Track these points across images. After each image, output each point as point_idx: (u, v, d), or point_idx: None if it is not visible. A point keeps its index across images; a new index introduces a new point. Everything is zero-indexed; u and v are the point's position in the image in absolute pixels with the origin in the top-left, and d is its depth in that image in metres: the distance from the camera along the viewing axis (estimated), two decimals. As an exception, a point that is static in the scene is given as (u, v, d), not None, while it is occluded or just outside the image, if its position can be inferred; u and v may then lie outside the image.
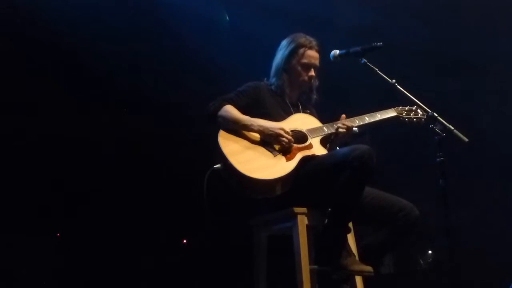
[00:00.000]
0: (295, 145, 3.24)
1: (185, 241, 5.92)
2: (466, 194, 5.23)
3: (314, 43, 3.52)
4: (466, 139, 3.04)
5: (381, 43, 3.29)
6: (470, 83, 5.45)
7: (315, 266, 3.14)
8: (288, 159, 3.18)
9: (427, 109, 3.18)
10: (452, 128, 3.06)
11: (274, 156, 3.19)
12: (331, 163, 3.11)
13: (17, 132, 4.98)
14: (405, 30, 5.29)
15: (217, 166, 3.18)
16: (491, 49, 5.33)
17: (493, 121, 5.50)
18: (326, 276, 3.14)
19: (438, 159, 3.02)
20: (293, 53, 3.50)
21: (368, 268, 3.05)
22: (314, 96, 3.60)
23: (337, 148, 3.40)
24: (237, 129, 3.27)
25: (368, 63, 3.32)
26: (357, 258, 3.14)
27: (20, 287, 4.88)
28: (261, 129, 3.24)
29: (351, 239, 3.26)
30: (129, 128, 5.51)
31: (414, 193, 3.58)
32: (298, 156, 3.19)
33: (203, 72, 5.44)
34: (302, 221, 3.11)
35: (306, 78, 3.51)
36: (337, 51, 3.45)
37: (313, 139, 3.31)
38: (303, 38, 3.52)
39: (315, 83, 3.57)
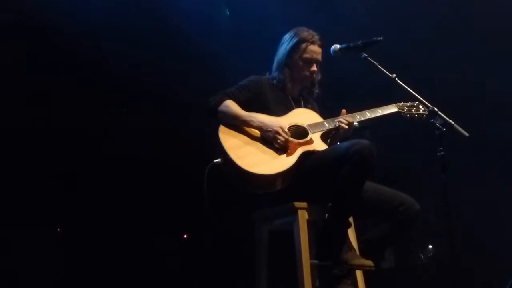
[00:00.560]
0: (295, 140, 3.24)
1: (185, 236, 5.92)
2: (467, 188, 5.23)
3: (316, 37, 3.50)
4: (466, 134, 3.04)
5: (381, 38, 3.29)
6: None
7: (316, 261, 3.14)
8: (288, 154, 3.18)
9: (428, 104, 3.17)
10: (453, 122, 3.05)
11: (274, 151, 3.19)
12: (332, 158, 3.11)
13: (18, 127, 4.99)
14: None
15: (217, 160, 3.19)
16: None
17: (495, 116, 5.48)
18: (327, 271, 3.15)
19: (438, 154, 3.02)
20: (295, 48, 3.48)
21: (369, 262, 3.05)
22: (316, 91, 3.60)
23: (338, 143, 3.40)
24: (237, 125, 3.27)
25: (368, 58, 3.32)
26: (357, 252, 3.14)
27: (20, 282, 4.88)
28: (260, 125, 3.24)
29: (351, 233, 3.26)
30: (129, 124, 5.51)
31: (415, 187, 3.58)
32: (299, 151, 3.19)
33: (204, 67, 5.43)
34: (303, 216, 3.11)
35: (308, 73, 3.50)
36: (337, 46, 3.44)
37: (313, 134, 3.31)
38: (305, 33, 3.50)
39: (317, 77, 3.56)
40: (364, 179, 3.06)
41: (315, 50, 3.49)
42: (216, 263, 5.48)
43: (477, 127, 3.35)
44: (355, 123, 3.38)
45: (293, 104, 3.51)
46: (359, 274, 3.23)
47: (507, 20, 5.11)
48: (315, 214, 3.17)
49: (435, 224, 5.30)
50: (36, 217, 5.04)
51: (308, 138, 3.28)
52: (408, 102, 3.53)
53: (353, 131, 3.40)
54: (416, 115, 3.51)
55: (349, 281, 3.14)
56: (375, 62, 3.30)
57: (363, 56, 3.33)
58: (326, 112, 3.54)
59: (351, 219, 3.22)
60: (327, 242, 3.09)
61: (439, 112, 3.11)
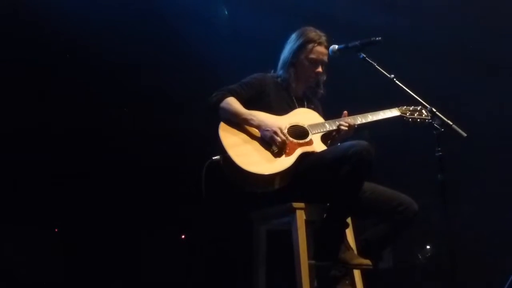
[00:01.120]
0: (295, 140, 3.23)
1: (183, 236, 5.92)
2: (466, 188, 5.23)
3: (323, 38, 3.48)
4: (464, 134, 3.04)
5: (380, 38, 3.27)
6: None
7: (314, 261, 3.14)
8: (287, 155, 3.17)
9: (426, 104, 3.17)
10: (451, 123, 3.05)
11: (273, 150, 3.18)
12: (330, 159, 3.10)
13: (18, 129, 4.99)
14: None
15: (215, 157, 3.18)
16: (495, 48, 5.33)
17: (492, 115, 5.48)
18: (325, 271, 3.15)
19: (436, 154, 3.02)
20: (301, 48, 3.47)
21: (367, 261, 3.06)
22: (321, 91, 3.59)
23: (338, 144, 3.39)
24: (238, 122, 3.27)
25: (366, 58, 3.31)
26: (355, 252, 3.14)
27: (18, 280, 4.87)
28: (260, 124, 3.23)
29: (349, 234, 3.26)
30: (128, 125, 5.50)
31: (413, 188, 3.57)
32: (298, 152, 3.19)
33: (202, 68, 5.43)
34: (301, 216, 3.11)
35: (313, 73, 3.49)
36: (336, 46, 3.43)
37: (314, 135, 3.30)
38: (313, 33, 3.48)
39: (322, 78, 3.55)
40: (363, 180, 3.06)
41: (321, 51, 3.47)
42: (214, 261, 5.47)
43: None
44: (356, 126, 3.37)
45: (296, 103, 3.50)
46: (357, 274, 3.23)
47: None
48: (313, 214, 3.16)
49: (434, 224, 5.29)
50: (33, 217, 5.03)
51: (308, 139, 3.27)
52: (411, 106, 3.49)
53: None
54: (418, 120, 3.46)
55: (347, 281, 3.15)
56: (373, 63, 3.30)
57: (361, 56, 3.32)
58: (329, 112, 3.54)
59: (349, 220, 3.22)
60: (325, 242, 3.09)
61: (437, 113, 3.11)
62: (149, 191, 5.48)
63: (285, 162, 3.13)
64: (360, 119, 3.41)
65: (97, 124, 5.35)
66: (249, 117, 3.26)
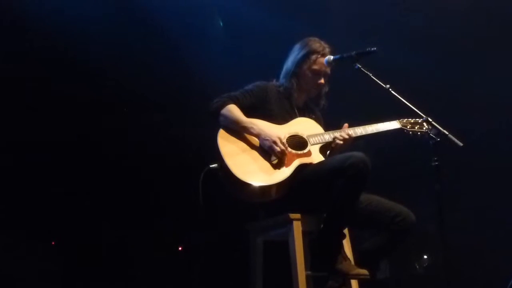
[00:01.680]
0: (293, 151, 3.22)
1: (180, 248, 5.89)
2: (462, 197, 5.24)
3: (327, 50, 3.47)
4: (461, 143, 3.04)
5: (375, 48, 3.27)
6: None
7: (311, 272, 3.13)
8: (286, 166, 3.17)
9: (422, 114, 3.17)
10: (447, 132, 3.06)
11: (272, 161, 3.18)
12: (327, 171, 3.10)
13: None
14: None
15: (213, 165, 3.18)
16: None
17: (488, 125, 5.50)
18: (322, 282, 3.14)
19: (433, 164, 3.02)
20: (305, 58, 3.46)
21: (364, 271, 3.05)
22: (323, 102, 3.58)
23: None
24: (237, 130, 3.26)
25: (362, 69, 3.29)
26: (352, 263, 3.14)
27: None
28: (260, 132, 3.23)
29: (346, 244, 3.25)
30: (123, 132, 5.50)
31: (410, 198, 3.57)
32: (296, 163, 3.18)
33: (197, 78, 5.44)
34: (298, 227, 3.10)
35: (315, 84, 3.48)
36: (331, 57, 3.43)
37: (312, 146, 3.29)
38: (317, 44, 3.48)
39: (325, 89, 3.54)
40: (359, 192, 3.06)
41: (324, 62, 3.46)
42: (211, 272, 5.46)
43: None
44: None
45: (297, 113, 3.49)
46: (354, 284, 3.22)
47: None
48: (310, 225, 3.16)
49: (431, 234, 5.29)
50: (28, 228, 5.01)
51: (306, 150, 3.25)
52: (411, 118, 3.43)
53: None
54: (419, 133, 3.38)
55: (344, 292, 3.14)
56: (369, 73, 3.28)
57: (356, 67, 3.30)
58: (330, 122, 3.53)
59: (346, 231, 3.22)
60: (322, 253, 3.08)
61: (433, 122, 3.11)
62: (144, 202, 5.47)
63: (282, 173, 3.12)
64: (359, 131, 3.38)
65: (87, 131, 5.35)
66: (249, 125, 3.25)
